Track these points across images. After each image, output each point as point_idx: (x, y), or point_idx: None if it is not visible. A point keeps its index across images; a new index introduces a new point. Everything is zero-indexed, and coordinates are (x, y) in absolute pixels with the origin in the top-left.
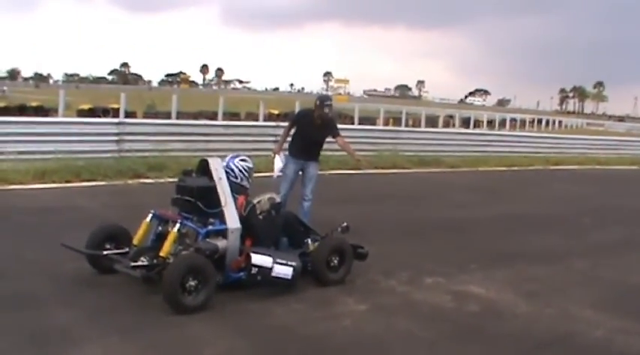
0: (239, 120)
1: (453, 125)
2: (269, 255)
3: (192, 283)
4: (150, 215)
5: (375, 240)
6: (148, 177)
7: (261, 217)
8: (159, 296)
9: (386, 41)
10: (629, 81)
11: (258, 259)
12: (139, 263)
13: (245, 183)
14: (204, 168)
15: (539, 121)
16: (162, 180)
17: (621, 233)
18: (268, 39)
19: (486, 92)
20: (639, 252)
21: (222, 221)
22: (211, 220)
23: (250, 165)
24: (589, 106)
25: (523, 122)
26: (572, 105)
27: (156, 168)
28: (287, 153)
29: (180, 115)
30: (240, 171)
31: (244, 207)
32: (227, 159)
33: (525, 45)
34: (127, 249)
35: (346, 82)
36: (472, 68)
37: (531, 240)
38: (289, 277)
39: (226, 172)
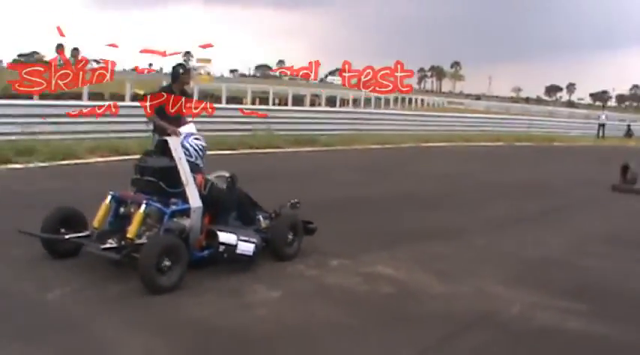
0: (104, 100)
1: (319, 104)
2: (233, 233)
3: (167, 263)
4: (109, 196)
5: None
6: (16, 163)
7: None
8: (56, 295)
9: (246, 21)
10: (484, 61)
11: (224, 237)
12: (108, 245)
13: (199, 162)
14: (162, 149)
15: (403, 100)
16: (32, 165)
17: (508, 208)
18: (126, 18)
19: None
20: (529, 225)
21: (184, 200)
22: (173, 200)
23: (204, 144)
24: (446, 85)
25: (387, 100)
26: (430, 84)
27: (25, 153)
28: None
29: (42, 96)
30: (195, 150)
31: (203, 185)
32: (181, 137)
33: (388, 23)
34: (87, 232)
35: (208, 61)
36: (334, 47)
37: (424, 218)
38: (251, 253)
39: None
